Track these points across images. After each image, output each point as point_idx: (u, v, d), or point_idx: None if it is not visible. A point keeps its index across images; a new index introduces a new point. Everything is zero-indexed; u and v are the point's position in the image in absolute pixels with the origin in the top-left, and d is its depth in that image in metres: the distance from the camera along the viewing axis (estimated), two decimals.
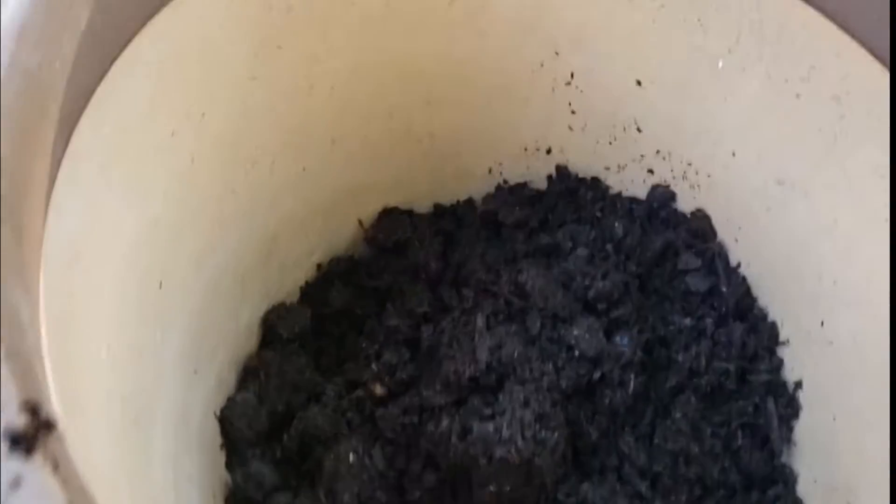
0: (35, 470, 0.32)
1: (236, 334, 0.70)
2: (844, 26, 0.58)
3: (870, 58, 0.57)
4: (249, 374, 0.69)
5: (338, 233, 0.78)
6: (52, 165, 0.45)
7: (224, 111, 0.62)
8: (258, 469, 0.64)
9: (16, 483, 0.31)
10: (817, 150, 0.63)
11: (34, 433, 0.32)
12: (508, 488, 0.58)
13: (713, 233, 0.74)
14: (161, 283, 0.58)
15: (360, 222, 0.79)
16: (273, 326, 0.71)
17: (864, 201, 0.61)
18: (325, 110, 0.70)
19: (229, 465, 0.65)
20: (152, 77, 0.54)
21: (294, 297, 0.76)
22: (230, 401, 0.67)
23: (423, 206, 0.81)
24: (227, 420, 0.65)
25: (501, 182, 0.81)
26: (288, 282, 0.75)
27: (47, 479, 0.32)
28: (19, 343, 0.36)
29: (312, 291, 0.76)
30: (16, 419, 0.32)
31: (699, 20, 0.65)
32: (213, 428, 0.65)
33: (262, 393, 0.67)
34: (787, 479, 0.65)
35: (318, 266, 0.78)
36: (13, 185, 0.39)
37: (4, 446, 0.32)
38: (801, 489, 0.65)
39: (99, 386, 0.48)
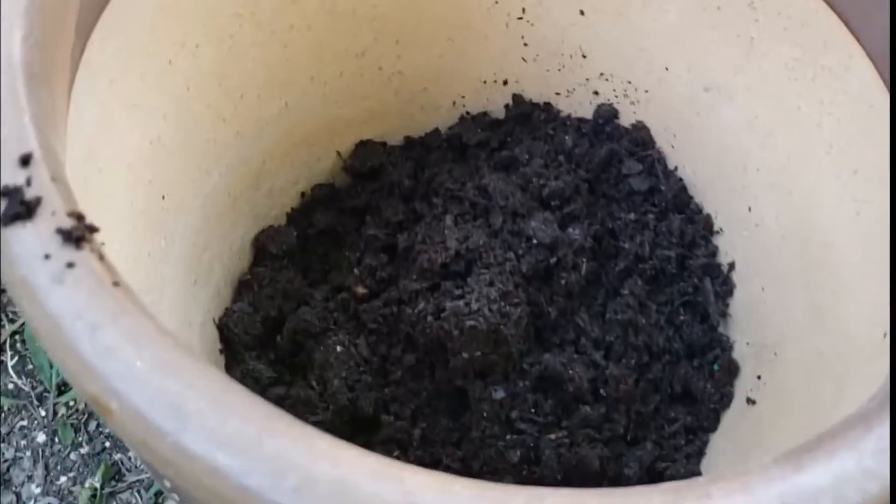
0: (84, 257, 0.39)
1: (231, 252, 0.77)
2: None
3: None
4: (244, 287, 0.77)
5: (319, 163, 0.86)
6: (73, 64, 0.52)
7: (215, 44, 0.69)
8: (255, 367, 0.71)
9: (70, 265, 0.39)
10: (738, 55, 0.71)
11: (81, 232, 0.40)
12: (479, 353, 0.65)
13: (652, 141, 0.82)
14: (164, 196, 0.66)
15: (339, 153, 0.86)
16: (263, 245, 0.79)
17: (779, 94, 0.69)
18: (304, 48, 0.77)
19: (228, 368, 0.72)
20: (153, 4, 0.61)
21: (281, 220, 0.83)
22: (227, 310, 0.74)
23: (395, 138, 0.89)
24: (225, 326, 0.73)
25: (464, 113, 0.88)
26: (275, 207, 0.83)
27: (94, 264, 0.39)
28: (60, 171, 0.43)
29: (298, 216, 0.84)
30: (66, 221, 0.40)
31: None
32: (213, 334, 0.73)
33: (256, 302, 0.75)
34: (724, 345, 0.73)
35: (302, 194, 0.85)
36: (45, 60, 0.47)
37: (58, 239, 0.40)
38: (737, 353, 0.73)
39: None
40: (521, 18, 0.82)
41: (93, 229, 0.40)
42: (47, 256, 0.38)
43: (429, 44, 0.84)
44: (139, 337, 0.37)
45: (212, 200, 0.72)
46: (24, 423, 0.84)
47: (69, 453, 0.82)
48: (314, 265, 0.79)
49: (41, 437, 0.83)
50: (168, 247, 0.66)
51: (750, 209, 0.73)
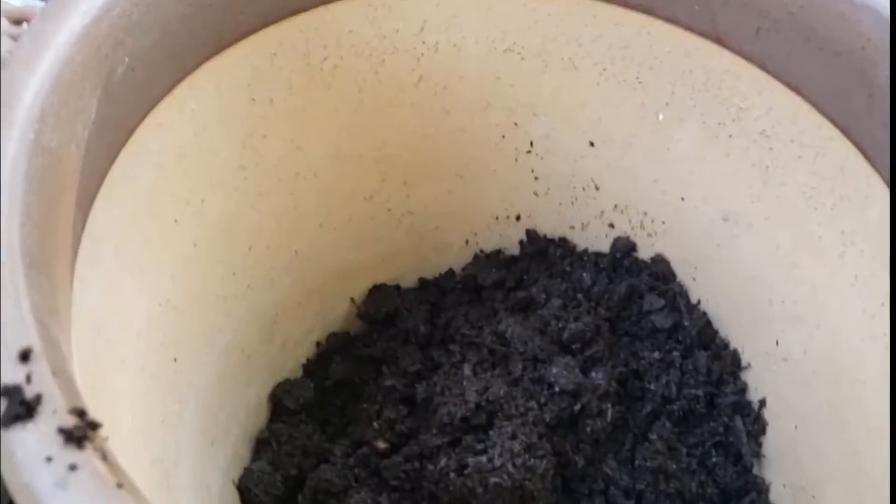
0: (87, 458, 0.38)
1: (247, 410, 0.75)
2: (763, 66, 0.65)
3: (787, 90, 0.64)
4: (262, 444, 0.75)
5: (333, 311, 0.84)
6: (74, 240, 0.51)
7: (220, 198, 0.68)
8: None
9: (72, 468, 0.37)
10: (754, 184, 0.70)
11: (83, 431, 0.38)
12: None
13: (672, 274, 0.80)
14: (175, 359, 0.64)
15: (353, 300, 0.85)
16: (280, 400, 0.77)
17: (799, 223, 0.67)
18: (311, 195, 0.76)
19: None
20: (154, 165, 0.60)
21: (297, 373, 0.81)
22: (247, 470, 0.72)
23: (408, 280, 0.87)
24: (245, 488, 0.70)
25: (478, 251, 0.87)
26: (291, 359, 0.81)
27: (98, 465, 0.38)
28: (63, 365, 0.42)
29: (313, 367, 0.82)
30: (67, 419, 0.39)
31: (637, 78, 0.72)
32: (233, 495, 0.70)
33: (276, 460, 0.73)
34: (759, 488, 0.70)
35: (318, 344, 0.83)
36: (45, 244, 0.46)
37: (59, 440, 0.38)
38: (773, 495, 0.70)
39: (129, 450, 0.53)
40: (529, 152, 0.81)
41: (95, 426, 0.39)
42: (49, 459, 0.37)
43: (437, 181, 0.83)
44: None
45: (225, 358, 0.71)
46: None
47: None
48: (333, 418, 0.77)
49: None
50: (182, 410, 0.64)
51: (777, 343, 0.71)
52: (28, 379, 0.40)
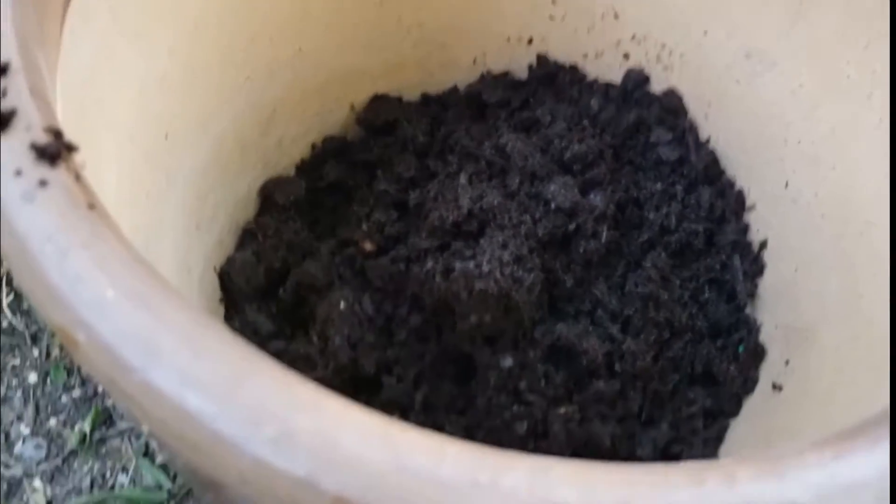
0: (59, 176, 0.36)
1: (236, 200, 0.73)
2: None
3: None
4: (248, 236, 0.73)
5: (332, 115, 0.82)
6: None
7: None
8: (255, 319, 0.68)
9: (42, 183, 0.35)
10: (784, 20, 0.67)
11: (57, 150, 0.36)
12: (488, 318, 0.62)
13: (684, 110, 0.78)
14: (167, 136, 0.62)
15: (353, 106, 0.82)
16: (270, 195, 0.75)
17: (828, 62, 0.65)
18: None
19: (227, 319, 0.69)
20: None
21: (290, 171, 0.80)
22: (230, 259, 0.71)
23: (411, 94, 0.85)
24: (226, 275, 0.69)
25: (485, 72, 0.84)
26: (284, 158, 0.79)
27: (69, 184, 0.36)
28: (41, 85, 0.40)
29: (307, 167, 0.80)
30: (41, 136, 0.37)
31: None
32: (213, 282, 0.69)
33: (260, 252, 0.71)
34: (750, 327, 0.69)
35: (313, 146, 0.81)
36: None
37: (31, 155, 0.36)
38: (764, 336, 0.69)
39: (109, 211, 0.52)
40: None
41: (71, 148, 0.37)
42: (18, 173, 0.35)
43: None
44: (112, 265, 0.33)
45: (218, 145, 0.69)
46: (17, 362, 0.81)
47: (60, 395, 0.79)
48: (322, 218, 0.75)
49: (33, 378, 0.80)
50: (169, 187, 0.63)
51: (787, 185, 0.69)
52: (3, 92, 0.38)
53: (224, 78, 0.69)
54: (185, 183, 0.65)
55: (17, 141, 0.36)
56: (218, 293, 0.69)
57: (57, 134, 0.37)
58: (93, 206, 0.35)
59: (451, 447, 0.30)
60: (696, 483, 0.30)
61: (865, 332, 0.57)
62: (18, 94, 0.38)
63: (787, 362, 0.65)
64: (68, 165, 0.36)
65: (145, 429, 0.43)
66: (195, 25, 0.64)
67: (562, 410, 0.62)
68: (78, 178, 0.36)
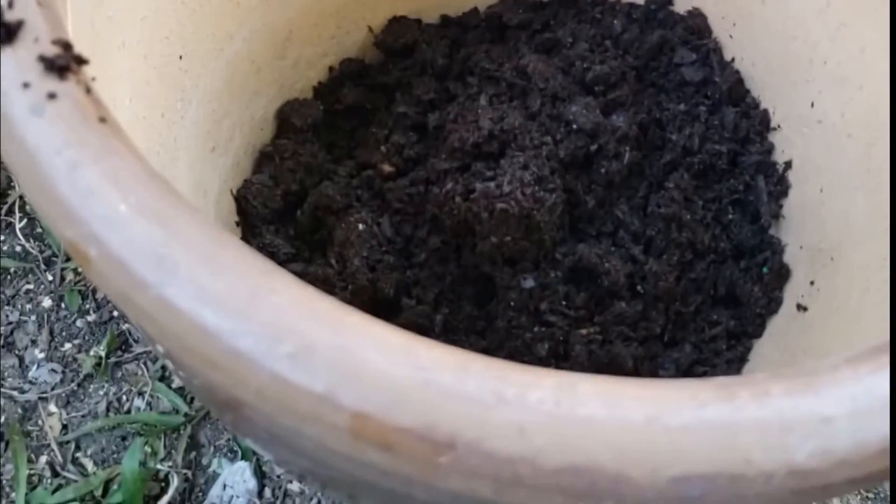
0: (68, 89, 0.35)
1: (252, 122, 0.73)
2: None
3: None
4: (265, 159, 0.72)
5: (349, 37, 0.81)
6: None
7: None
8: (272, 241, 0.67)
9: (51, 96, 0.34)
10: None
11: (66, 62, 0.35)
12: (509, 239, 0.61)
13: (709, 30, 0.76)
14: (181, 56, 0.61)
15: (370, 28, 0.81)
16: (287, 118, 0.74)
17: None
18: None
19: (245, 241, 0.68)
20: None
21: (307, 94, 0.79)
22: (246, 181, 0.70)
23: (430, 16, 0.83)
24: (243, 198, 0.69)
25: None
26: (301, 80, 0.78)
27: (79, 96, 0.35)
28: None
29: (325, 90, 0.79)
30: (50, 49, 0.36)
31: None
32: (230, 205, 0.69)
33: (277, 175, 0.71)
34: (774, 248, 0.68)
35: (330, 69, 0.80)
36: None
37: (39, 68, 0.35)
38: (788, 257, 0.68)
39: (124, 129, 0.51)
40: None
41: (81, 60, 0.36)
42: (26, 85, 0.34)
43: None
44: (125, 179, 0.32)
45: (234, 66, 0.68)
46: (31, 286, 0.80)
47: (75, 320, 0.79)
48: (340, 141, 0.75)
49: (47, 302, 0.80)
50: (185, 109, 0.62)
51: (813, 105, 0.67)
52: (10, 3, 0.37)
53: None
54: (201, 104, 0.64)
55: (25, 52, 0.35)
56: (234, 216, 0.69)
57: (66, 46, 0.36)
58: (104, 119, 0.34)
59: (476, 363, 0.29)
60: (726, 398, 0.29)
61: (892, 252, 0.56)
62: (25, 5, 0.37)
63: (812, 283, 0.64)
64: (78, 78, 0.35)
65: (160, 349, 0.43)
66: None
67: (583, 332, 0.61)
68: (88, 90, 0.35)
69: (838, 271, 0.62)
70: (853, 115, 0.64)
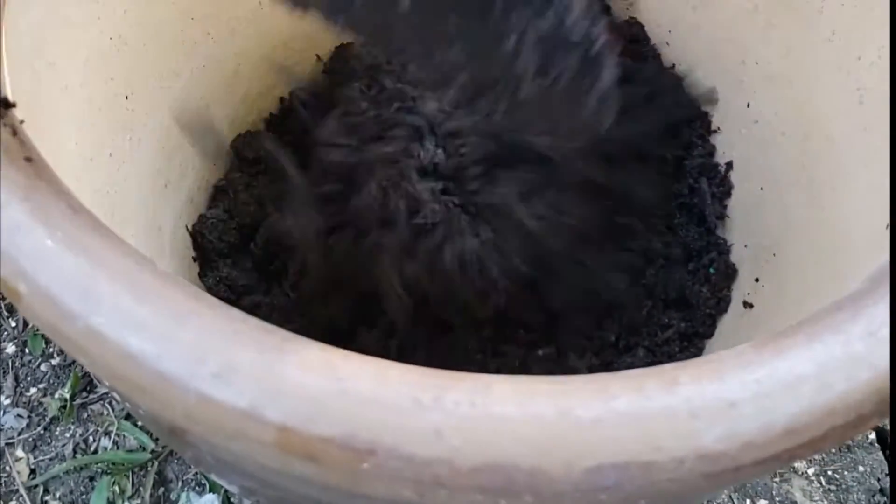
0: None
1: (204, 157, 0.73)
2: None
3: None
4: (219, 192, 0.73)
5: (298, 67, 0.82)
6: None
7: None
8: (229, 274, 0.68)
9: None
10: None
11: None
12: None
13: (647, 38, 0.78)
14: (127, 96, 0.62)
15: (318, 56, 0.82)
16: (240, 151, 0.75)
17: None
18: None
19: (202, 275, 0.69)
20: None
21: (259, 126, 0.80)
22: (201, 217, 0.71)
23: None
24: (198, 233, 0.70)
25: None
26: (252, 113, 0.79)
27: (7, 139, 0.36)
28: None
29: (276, 121, 0.80)
30: None
31: None
32: (185, 240, 0.69)
33: (232, 208, 0.71)
34: (721, 248, 0.70)
35: (282, 100, 0.81)
36: None
37: None
38: (734, 256, 0.69)
39: (70, 173, 0.52)
40: None
41: (8, 104, 0.37)
42: None
43: None
44: (51, 215, 0.33)
45: (182, 103, 0.69)
46: None
47: (39, 364, 0.80)
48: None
49: (11, 349, 0.80)
50: (133, 148, 0.63)
51: (749, 105, 0.69)
52: None
53: (184, 35, 0.69)
54: (150, 142, 0.65)
55: None
56: (191, 251, 0.69)
57: None
58: (30, 158, 0.35)
59: (393, 370, 0.31)
60: (635, 389, 0.30)
61: (829, 244, 0.57)
62: None
63: (756, 280, 0.65)
64: (4, 121, 0.36)
65: (107, 383, 0.44)
66: None
67: (540, 352, 0.62)
68: (15, 132, 0.36)
69: (780, 267, 0.63)
70: (785, 112, 0.65)
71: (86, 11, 0.56)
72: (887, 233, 0.48)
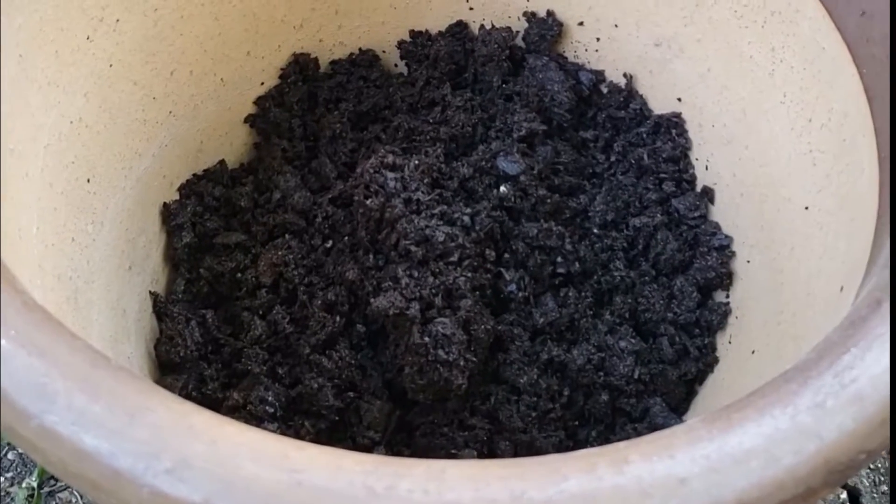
0: None
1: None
2: None
3: None
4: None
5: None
6: None
7: (138, 18, 0.66)
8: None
9: None
10: (686, 6, 0.69)
11: None
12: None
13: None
14: (89, 179, 0.62)
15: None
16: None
17: (730, 44, 0.66)
18: (237, 20, 0.74)
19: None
20: None
21: None
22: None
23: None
24: (162, 314, 0.69)
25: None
26: None
27: None
28: None
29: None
30: None
31: None
32: (151, 321, 0.69)
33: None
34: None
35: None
36: None
37: None
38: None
39: (31, 260, 0.52)
40: None
41: None
42: None
43: (370, 12, 0.81)
44: (5, 314, 0.34)
45: (145, 184, 0.69)
46: None
47: (6, 453, 0.79)
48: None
49: None
50: (96, 231, 0.63)
51: (707, 167, 0.70)
52: None
53: (145, 115, 0.69)
54: (113, 225, 0.65)
55: None
56: (156, 332, 0.69)
57: None
58: None
59: (347, 460, 0.31)
60: (587, 469, 0.31)
61: (787, 305, 0.58)
62: None
63: (729, 340, 0.66)
64: None
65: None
66: (109, 64, 0.64)
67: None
68: None
69: (742, 328, 0.64)
70: (743, 174, 0.66)
71: (46, 96, 0.56)
72: (843, 296, 0.49)
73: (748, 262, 0.65)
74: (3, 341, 0.32)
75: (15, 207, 0.51)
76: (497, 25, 0.79)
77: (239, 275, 0.69)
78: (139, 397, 0.31)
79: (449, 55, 0.79)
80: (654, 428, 0.63)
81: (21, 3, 0.54)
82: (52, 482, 0.78)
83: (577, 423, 0.64)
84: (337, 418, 0.61)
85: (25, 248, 0.52)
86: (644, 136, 0.73)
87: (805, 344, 0.53)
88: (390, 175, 0.65)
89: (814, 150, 0.58)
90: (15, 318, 0.33)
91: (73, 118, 0.60)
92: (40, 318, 0.33)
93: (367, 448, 0.61)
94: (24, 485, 0.78)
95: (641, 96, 0.75)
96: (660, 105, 0.73)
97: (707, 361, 0.65)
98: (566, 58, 0.79)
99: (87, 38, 0.61)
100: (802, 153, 0.59)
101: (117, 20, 0.63)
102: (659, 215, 0.70)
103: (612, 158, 0.73)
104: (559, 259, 0.67)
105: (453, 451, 0.60)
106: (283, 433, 0.59)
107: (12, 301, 0.34)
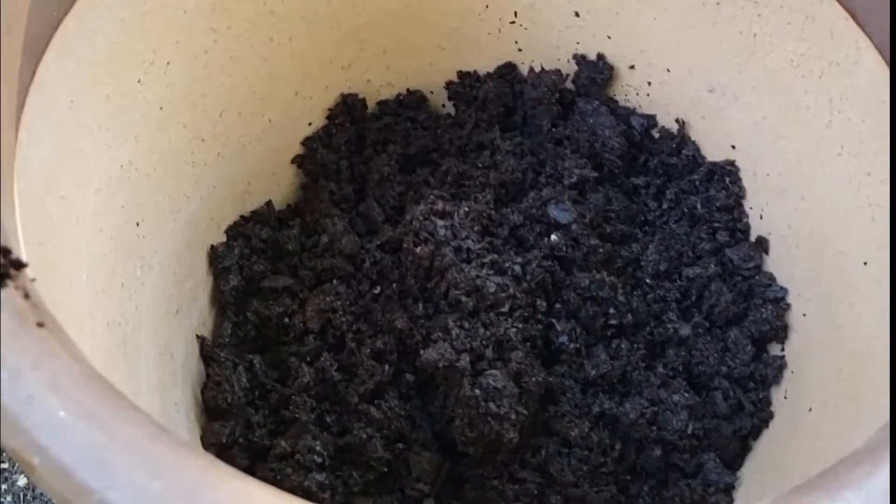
0: (7, 295, 0.36)
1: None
2: None
3: None
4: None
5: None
6: (21, 89, 0.49)
7: (188, 61, 0.65)
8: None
9: None
10: (741, 53, 0.68)
11: (5, 269, 0.36)
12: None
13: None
14: (138, 223, 0.62)
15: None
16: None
17: (786, 93, 0.65)
18: (286, 61, 0.74)
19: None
20: (114, 20, 0.57)
21: None
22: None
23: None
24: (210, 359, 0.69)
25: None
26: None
27: (18, 303, 0.36)
28: None
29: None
30: None
31: None
32: (198, 364, 0.69)
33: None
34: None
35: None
36: None
37: None
38: None
39: (81, 307, 0.52)
40: (513, 23, 0.79)
41: (20, 265, 0.37)
42: None
43: (418, 52, 0.81)
44: (64, 384, 0.33)
45: (193, 226, 0.69)
46: (5, 465, 0.80)
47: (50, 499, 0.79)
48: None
49: (22, 481, 0.79)
50: (144, 276, 0.62)
51: (762, 217, 0.69)
52: None
53: (194, 157, 0.69)
54: (161, 269, 0.65)
55: None
56: (203, 377, 0.68)
57: (5, 252, 0.37)
58: (42, 323, 0.35)
59: None
60: None
61: (846, 363, 0.57)
62: None
63: (785, 396, 0.65)
64: (17, 283, 0.36)
65: None
66: (160, 107, 0.64)
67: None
68: (27, 295, 0.36)
69: (799, 384, 0.63)
70: (798, 226, 0.65)
71: (97, 141, 0.56)
72: None
73: (804, 315, 0.64)
74: (61, 412, 0.32)
75: (66, 254, 0.51)
76: (546, 67, 0.78)
77: (286, 319, 0.68)
78: (200, 474, 0.31)
79: (497, 97, 0.79)
80: (707, 484, 0.62)
81: (73, 47, 0.53)
82: None
83: (628, 477, 0.63)
84: (386, 469, 0.60)
85: (76, 296, 0.51)
86: (697, 183, 0.72)
87: (866, 406, 0.52)
88: (440, 222, 0.65)
89: (873, 205, 0.57)
90: (73, 389, 0.33)
91: (123, 162, 0.60)
92: (100, 387, 0.33)
93: (417, 500, 0.61)
94: None
95: (694, 142, 0.74)
96: (713, 152, 0.72)
97: (762, 417, 0.64)
98: (617, 101, 0.78)
99: (139, 82, 0.61)
100: (861, 207, 0.58)
101: (168, 63, 0.63)
102: (713, 265, 0.69)
103: (665, 206, 0.72)
104: (611, 310, 0.66)
105: None
106: (332, 483, 0.58)
107: (70, 370, 0.33)
